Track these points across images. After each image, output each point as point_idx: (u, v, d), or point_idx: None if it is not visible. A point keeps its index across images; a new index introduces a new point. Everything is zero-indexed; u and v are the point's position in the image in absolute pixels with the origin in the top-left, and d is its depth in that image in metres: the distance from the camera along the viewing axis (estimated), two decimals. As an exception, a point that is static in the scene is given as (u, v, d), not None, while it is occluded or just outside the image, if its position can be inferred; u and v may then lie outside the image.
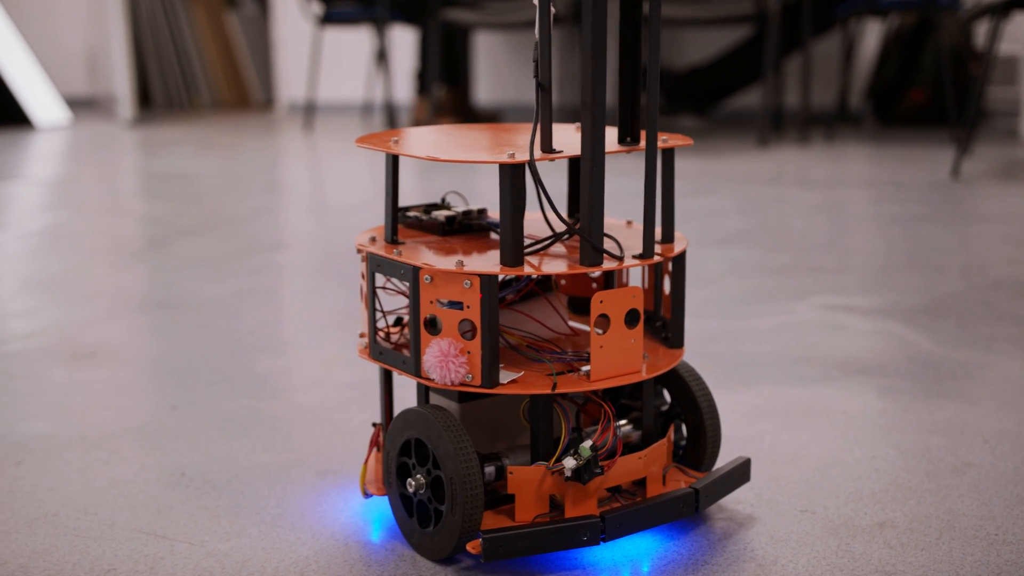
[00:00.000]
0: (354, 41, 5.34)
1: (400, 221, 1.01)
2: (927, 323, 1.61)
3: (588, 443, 0.89)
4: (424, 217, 1.00)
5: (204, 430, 1.21)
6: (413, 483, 0.90)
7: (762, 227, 2.41)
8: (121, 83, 5.15)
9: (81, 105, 5.86)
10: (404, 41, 5.25)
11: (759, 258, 2.08)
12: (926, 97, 4.23)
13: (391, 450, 0.93)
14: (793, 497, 1.02)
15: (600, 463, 0.89)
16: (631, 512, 0.89)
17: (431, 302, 0.88)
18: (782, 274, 1.95)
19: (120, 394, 1.37)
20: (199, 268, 2.07)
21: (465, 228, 0.99)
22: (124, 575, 0.88)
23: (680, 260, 0.96)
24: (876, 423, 1.21)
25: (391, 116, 4.63)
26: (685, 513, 0.92)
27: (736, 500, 1.01)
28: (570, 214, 1.06)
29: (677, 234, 0.98)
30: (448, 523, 0.87)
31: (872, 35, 4.53)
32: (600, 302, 0.87)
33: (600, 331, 0.88)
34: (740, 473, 0.98)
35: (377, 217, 2.66)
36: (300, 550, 0.93)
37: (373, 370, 1.43)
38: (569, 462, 0.88)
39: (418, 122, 4.63)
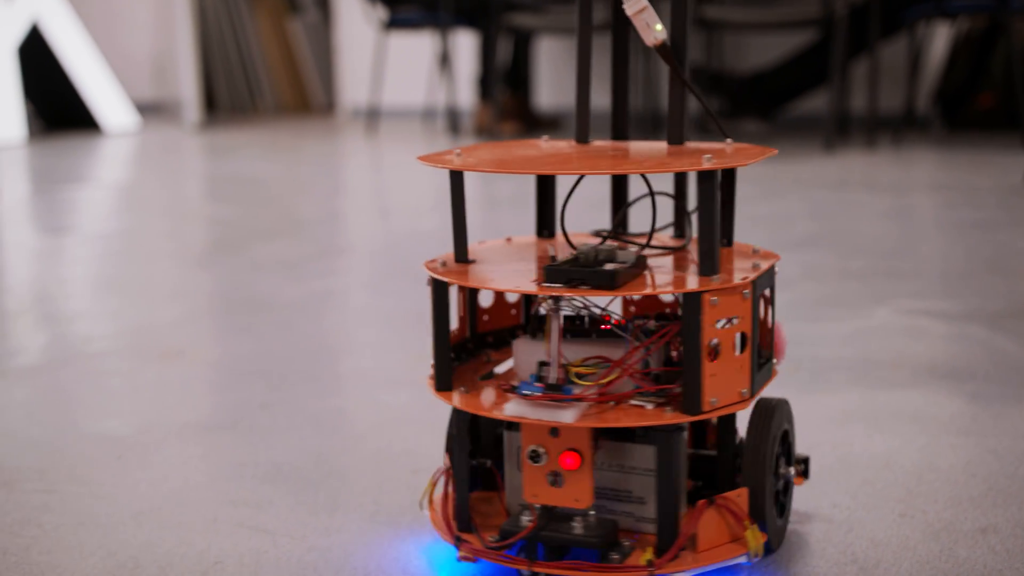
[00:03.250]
0: (416, 46, 5.37)
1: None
2: (1012, 328, 1.59)
3: None
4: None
5: (295, 428, 1.23)
6: (791, 471, 0.94)
7: (834, 232, 2.39)
8: (187, 88, 5.23)
9: (148, 110, 5.95)
10: (466, 46, 5.27)
11: (834, 262, 2.06)
12: (996, 101, 4.17)
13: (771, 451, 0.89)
14: (891, 501, 1.01)
15: None
16: None
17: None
18: (859, 278, 1.93)
19: (211, 392, 1.39)
20: (275, 270, 2.10)
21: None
22: (231, 567, 0.90)
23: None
24: (969, 428, 1.20)
25: (454, 121, 4.66)
26: None
27: (833, 504, 1.01)
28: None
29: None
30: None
31: (941, 39, 4.48)
32: None
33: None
34: None
35: (446, 220, 2.67)
36: (400, 546, 0.94)
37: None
38: None
39: (480, 127, 4.65)
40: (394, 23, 4.69)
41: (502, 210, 2.81)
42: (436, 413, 1.27)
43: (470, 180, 3.38)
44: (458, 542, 0.87)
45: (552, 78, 5.32)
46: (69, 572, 0.90)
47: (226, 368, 1.50)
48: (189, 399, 1.36)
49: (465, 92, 5.29)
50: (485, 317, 0.99)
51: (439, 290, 0.86)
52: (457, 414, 0.88)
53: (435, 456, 1.13)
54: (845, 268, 2.02)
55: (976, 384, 1.34)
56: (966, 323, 1.62)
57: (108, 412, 1.30)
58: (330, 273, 2.07)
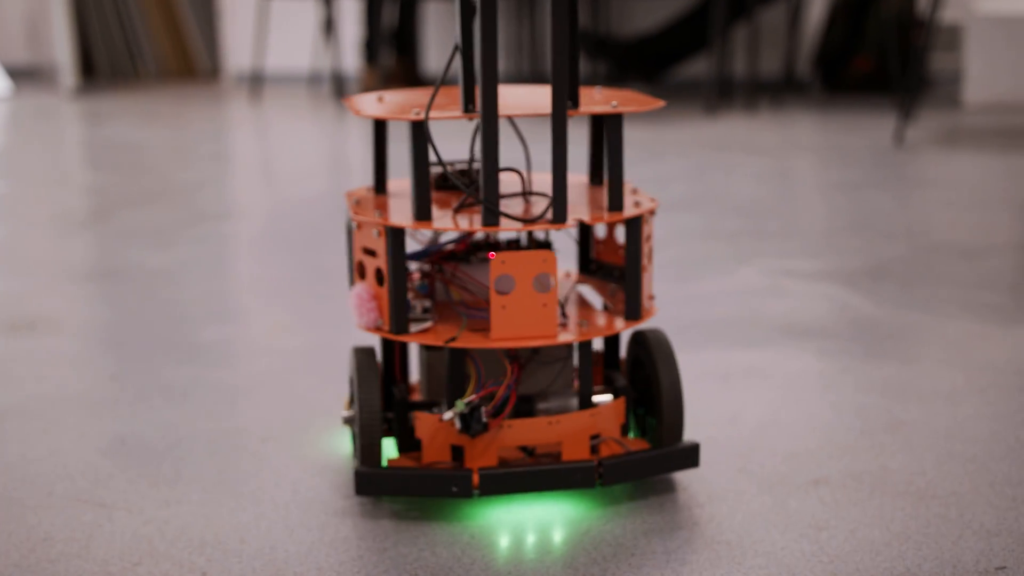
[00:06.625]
0: (300, 9, 5.28)
1: None
2: (868, 286, 1.63)
3: (467, 398, 0.92)
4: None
5: (145, 399, 1.21)
6: None
7: (709, 193, 2.42)
8: (62, 52, 5.05)
9: (21, 74, 5.74)
10: (352, 9, 5.19)
11: (705, 224, 2.09)
12: (872, 64, 4.26)
13: None
14: (731, 456, 1.03)
15: (486, 420, 0.91)
16: (512, 473, 0.91)
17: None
18: (728, 239, 1.96)
19: (60, 364, 1.35)
20: (143, 238, 2.05)
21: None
22: (60, 543, 0.88)
23: (635, 225, 0.94)
24: (815, 384, 1.23)
25: (339, 86, 4.59)
26: (581, 484, 0.92)
27: (675, 460, 1.02)
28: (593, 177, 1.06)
29: (645, 197, 0.98)
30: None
31: (818, 2, 4.55)
32: (502, 263, 0.88)
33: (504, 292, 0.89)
34: (679, 457, 0.96)
35: (327, 185, 2.64)
36: (240, 515, 0.93)
37: (317, 337, 1.43)
38: (448, 414, 0.91)
39: (367, 92, 4.59)
40: (277, -15, 4.59)
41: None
42: (291, 381, 1.26)
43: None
44: None
45: (440, 42, 5.28)
46: None
47: (80, 339, 1.46)
48: (37, 372, 1.32)
49: (351, 57, 5.22)
50: None
51: None
52: None
53: (285, 425, 1.12)
54: (715, 229, 2.05)
55: (827, 341, 1.38)
56: (825, 282, 1.66)
57: (-50, 387, 1.26)
58: (200, 240, 2.03)
